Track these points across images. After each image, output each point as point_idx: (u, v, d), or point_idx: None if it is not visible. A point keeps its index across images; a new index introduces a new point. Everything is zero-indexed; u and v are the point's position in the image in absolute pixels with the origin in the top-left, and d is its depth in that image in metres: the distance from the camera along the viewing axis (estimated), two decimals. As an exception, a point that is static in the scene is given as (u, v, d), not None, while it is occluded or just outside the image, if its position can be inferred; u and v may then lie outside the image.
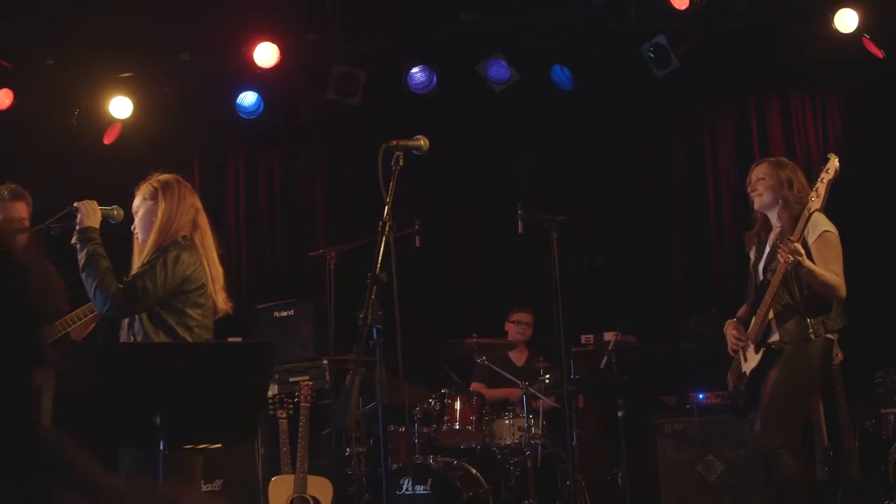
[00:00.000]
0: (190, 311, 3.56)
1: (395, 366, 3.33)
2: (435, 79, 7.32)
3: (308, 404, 5.44)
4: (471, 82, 7.29)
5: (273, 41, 7.04)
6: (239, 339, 5.49)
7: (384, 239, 3.15)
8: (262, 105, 7.50)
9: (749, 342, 4.53)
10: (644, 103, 7.45)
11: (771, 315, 4.43)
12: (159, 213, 3.64)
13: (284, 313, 6.68)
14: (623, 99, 7.45)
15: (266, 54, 6.97)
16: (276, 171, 8.06)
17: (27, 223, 4.39)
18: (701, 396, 6.09)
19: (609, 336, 6.27)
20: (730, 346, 4.66)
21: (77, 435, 3.00)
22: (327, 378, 6.41)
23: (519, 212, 5.62)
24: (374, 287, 3.03)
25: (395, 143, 3.33)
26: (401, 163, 3.31)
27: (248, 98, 7.47)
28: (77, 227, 3.62)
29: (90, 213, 3.64)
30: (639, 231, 7.59)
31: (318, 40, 7.23)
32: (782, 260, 4.23)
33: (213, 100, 7.60)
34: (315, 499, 5.22)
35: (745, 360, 4.59)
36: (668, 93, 7.27)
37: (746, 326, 4.58)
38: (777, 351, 4.40)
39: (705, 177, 7.51)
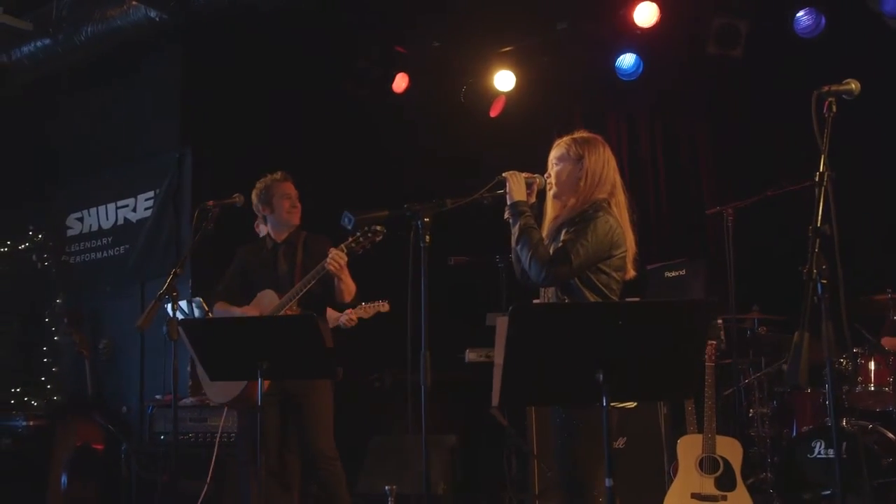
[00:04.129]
0: (612, 274, 3.63)
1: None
2: (823, 21, 6.88)
3: (712, 364, 5.38)
4: (864, 20, 6.76)
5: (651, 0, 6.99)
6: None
7: (823, 190, 3.01)
8: (641, 66, 7.48)
9: None
10: None
11: None
12: (583, 174, 3.70)
13: (675, 273, 6.64)
14: None
15: (645, 14, 6.94)
16: (657, 130, 7.99)
17: (297, 201, 5.17)
18: None
19: None
20: None
21: (524, 392, 3.16)
22: (722, 337, 6.29)
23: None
24: (818, 240, 2.92)
25: (826, 88, 3.18)
26: (833, 109, 3.16)
27: (626, 60, 7.51)
28: (508, 203, 3.74)
29: (517, 186, 3.74)
30: None
31: (696, -6, 7.07)
32: None
33: (592, 65, 7.69)
34: (724, 459, 5.15)
35: None
36: None
37: None
38: None
39: None
